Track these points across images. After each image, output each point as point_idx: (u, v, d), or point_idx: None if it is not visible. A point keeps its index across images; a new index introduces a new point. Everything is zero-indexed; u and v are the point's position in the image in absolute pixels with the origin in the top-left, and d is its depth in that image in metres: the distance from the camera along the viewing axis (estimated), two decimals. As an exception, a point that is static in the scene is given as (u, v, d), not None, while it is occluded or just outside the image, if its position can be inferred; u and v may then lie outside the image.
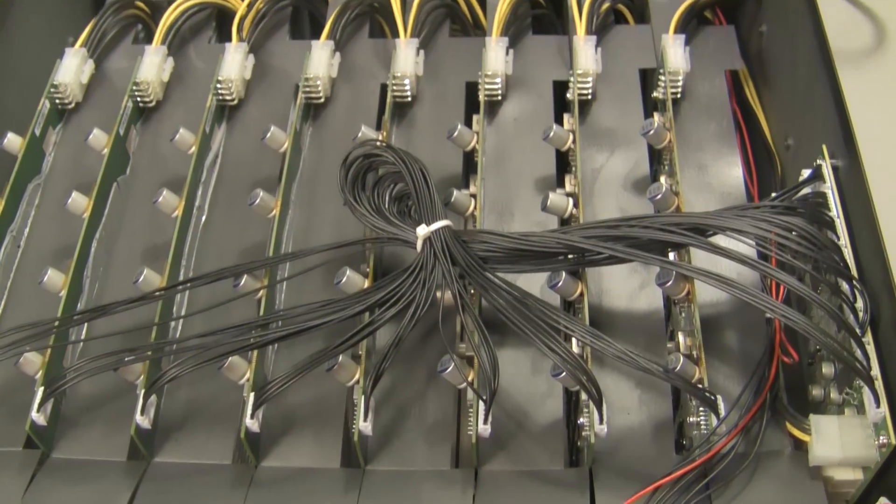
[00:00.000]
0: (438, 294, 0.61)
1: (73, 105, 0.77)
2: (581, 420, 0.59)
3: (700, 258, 0.61)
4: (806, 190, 0.64)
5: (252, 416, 0.57)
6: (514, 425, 0.60)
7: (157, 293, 0.62)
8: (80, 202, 0.68)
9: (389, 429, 0.60)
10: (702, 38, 0.78)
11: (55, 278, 0.64)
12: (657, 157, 0.72)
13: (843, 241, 0.60)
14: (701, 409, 0.58)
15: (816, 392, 0.61)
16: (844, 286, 0.58)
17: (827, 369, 0.61)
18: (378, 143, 0.65)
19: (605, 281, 0.65)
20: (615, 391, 0.60)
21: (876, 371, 0.55)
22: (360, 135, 0.68)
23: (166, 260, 0.65)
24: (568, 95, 0.73)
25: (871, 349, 0.56)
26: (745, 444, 0.57)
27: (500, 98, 0.74)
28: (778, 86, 0.75)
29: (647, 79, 0.76)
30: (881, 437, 0.54)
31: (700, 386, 0.58)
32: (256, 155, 0.73)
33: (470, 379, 0.58)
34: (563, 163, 0.71)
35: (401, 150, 0.63)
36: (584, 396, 0.57)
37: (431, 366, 0.61)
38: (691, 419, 0.59)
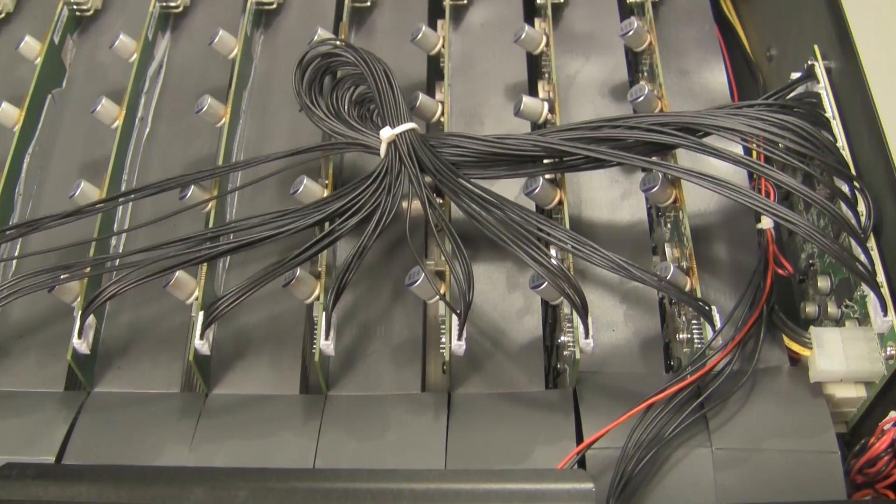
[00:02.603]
0: (405, 204, 0.56)
1: (3, 15, 0.72)
2: (563, 338, 0.54)
3: (686, 163, 0.57)
4: (799, 89, 0.60)
5: (202, 337, 0.52)
6: (488, 344, 0.56)
7: (96, 206, 0.57)
8: (10, 113, 0.63)
9: (352, 351, 0.56)
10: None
11: (-15, 192, 0.59)
12: (635, 64, 0.67)
13: (841, 141, 0.56)
14: (693, 324, 0.55)
15: (811, 309, 0.58)
16: (844, 188, 0.53)
17: (823, 283, 0.58)
18: (337, 43, 0.60)
19: (584, 190, 0.61)
20: (598, 307, 0.56)
21: (881, 277, 0.52)
22: (316, 36, 0.63)
23: (106, 173, 0.59)
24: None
25: (875, 255, 0.53)
26: (742, 361, 0.54)
27: (465, 2, 0.69)
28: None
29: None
30: (888, 349, 0.51)
31: (695, 295, 0.53)
32: (204, 63, 0.68)
33: (442, 292, 0.54)
34: (535, 69, 0.67)
35: (362, 50, 0.59)
36: (566, 310, 0.53)
37: (397, 283, 0.58)
38: (681, 336, 0.55)
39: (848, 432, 0.54)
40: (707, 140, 0.53)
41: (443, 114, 0.63)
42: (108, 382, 0.55)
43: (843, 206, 0.53)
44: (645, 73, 0.65)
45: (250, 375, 0.55)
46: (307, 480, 0.47)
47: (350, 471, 0.48)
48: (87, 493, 0.47)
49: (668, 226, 0.59)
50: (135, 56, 0.65)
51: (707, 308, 0.52)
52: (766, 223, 0.57)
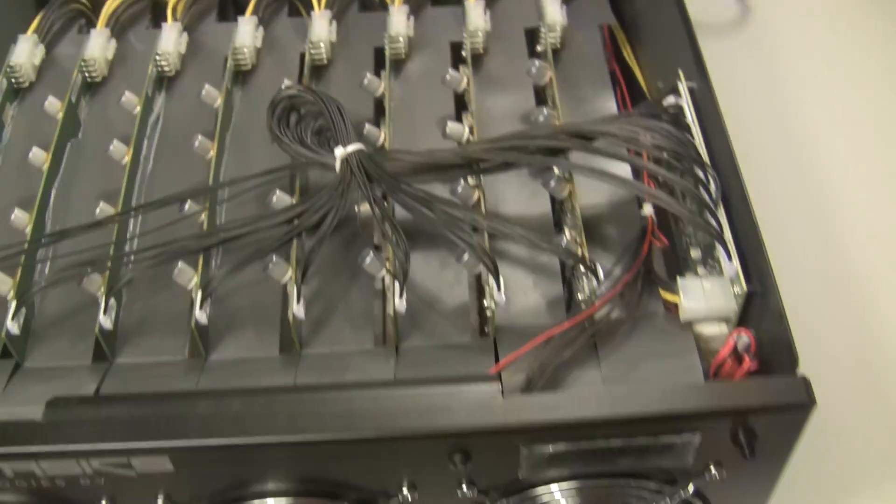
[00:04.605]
0: (359, 209, 0.71)
1: (27, 84, 0.86)
2: (486, 302, 0.68)
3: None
4: (668, 102, 0.75)
5: (201, 308, 0.66)
6: (426, 309, 0.68)
7: (114, 218, 0.71)
8: (39, 156, 0.77)
9: (319, 319, 0.68)
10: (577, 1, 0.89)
11: (21, 217, 0.73)
12: (541, 98, 0.82)
13: (698, 140, 0.71)
14: (585, 281, 0.68)
15: (688, 275, 0.71)
16: (700, 174, 0.68)
17: (695, 254, 0.71)
18: (300, 88, 0.75)
19: (499, 191, 0.74)
20: (511, 277, 0.69)
21: (728, 235, 0.66)
22: (283, 85, 0.78)
23: (119, 196, 0.74)
24: (462, 52, 0.84)
25: (723, 221, 0.66)
26: (623, 309, 0.66)
27: (403, 57, 0.85)
28: (647, 39, 0.87)
29: (533, 38, 0.87)
30: (736, 288, 0.64)
31: (583, 258, 0.68)
32: (194, 114, 0.82)
33: (388, 266, 0.68)
34: (461, 106, 0.82)
35: (319, 91, 0.74)
36: (490, 283, 0.66)
37: (353, 269, 0.70)
38: (580, 296, 0.69)
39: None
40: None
41: (386, 140, 0.77)
42: (126, 355, 0.67)
43: (701, 188, 0.68)
44: (548, 103, 0.80)
45: (240, 342, 0.67)
46: (288, 392, 0.62)
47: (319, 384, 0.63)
48: (120, 412, 0.61)
49: (567, 214, 0.73)
50: (138, 108, 0.80)
51: (593, 265, 0.67)
52: (648, 210, 0.71)
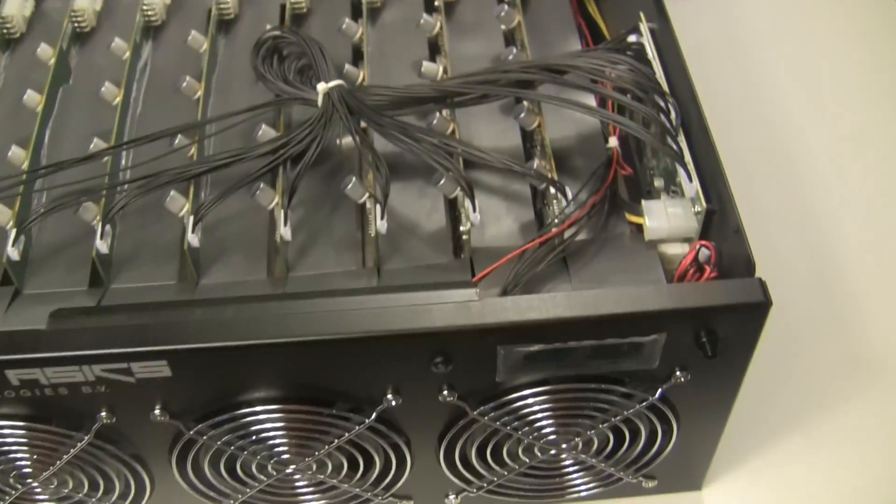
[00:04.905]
0: (340, 142, 0.75)
1: (18, 35, 0.89)
2: (462, 228, 0.71)
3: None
4: (631, 40, 0.79)
5: (193, 232, 0.69)
6: (406, 233, 0.71)
7: (107, 151, 0.75)
8: (33, 98, 0.80)
9: (305, 245, 0.72)
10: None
11: (18, 153, 0.76)
12: (511, 41, 0.86)
13: (659, 73, 0.76)
14: (555, 204, 0.72)
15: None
16: (661, 103, 0.72)
17: (658, 183, 0.75)
18: (283, 29, 0.79)
19: (472, 125, 0.78)
20: (487, 203, 0.72)
21: (688, 157, 0.70)
22: (267, 27, 0.82)
23: (112, 133, 0.77)
24: (435, 1, 0.88)
25: (683, 144, 0.70)
26: (591, 229, 0.70)
27: (379, 5, 0.89)
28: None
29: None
30: (696, 207, 0.68)
31: (552, 178, 0.72)
32: (180, 59, 0.86)
33: (369, 190, 0.72)
34: (435, 51, 0.86)
35: (301, 32, 0.78)
36: (465, 205, 0.70)
37: (337, 199, 0.74)
38: (549, 220, 0.72)
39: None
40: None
41: (364, 79, 0.81)
42: (120, 280, 0.70)
43: (662, 115, 0.72)
44: (517, 45, 0.84)
45: (228, 267, 0.70)
46: (278, 299, 0.66)
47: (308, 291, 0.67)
48: (120, 319, 0.64)
49: (538, 146, 0.78)
50: (127, 54, 0.83)
51: (561, 187, 0.71)
52: (613, 142, 0.75)
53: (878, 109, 1.09)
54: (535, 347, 0.62)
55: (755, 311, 0.62)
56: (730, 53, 1.16)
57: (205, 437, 0.66)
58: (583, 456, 0.73)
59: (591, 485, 0.78)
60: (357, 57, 0.86)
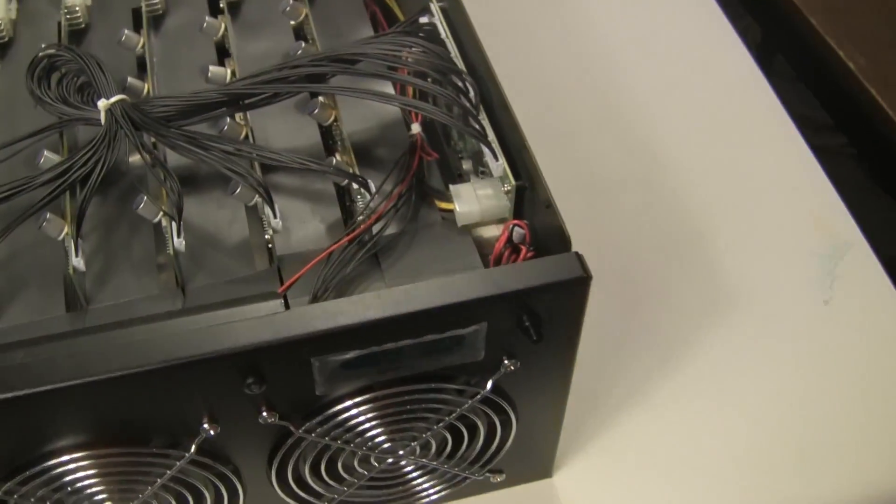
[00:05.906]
0: (130, 160, 0.71)
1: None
2: (266, 236, 0.68)
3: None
4: (422, 21, 0.77)
5: None
6: (208, 248, 0.68)
7: None
8: None
9: (103, 273, 0.67)
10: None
11: None
12: (302, 36, 0.83)
13: (454, 53, 0.73)
14: (360, 200, 0.69)
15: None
16: (459, 83, 0.70)
17: (467, 165, 0.74)
18: (58, 47, 0.75)
19: (267, 126, 0.74)
20: (290, 206, 0.69)
21: (492, 136, 0.68)
22: (42, 46, 0.77)
23: None
24: (220, 2, 0.84)
25: (487, 124, 0.68)
26: (400, 221, 0.68)
27: (161, 13, 0.85)
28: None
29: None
30: (506, 186, 0.66)
31: (353, 173, 0.69)
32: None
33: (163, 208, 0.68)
34: (224, 54, 0.82)
35: (77, 48, 0.73)
36: (265, 212, 0.67)
37: (132, 221, 0.70)
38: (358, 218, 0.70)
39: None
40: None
41: (149, 91, 0.77)
42: None
43: (461, 96, 0.69)
44: (307, 39, 0.81)
45: (24, 305, 0.65)
46: (72, 336, 0.62)
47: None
48: None
49: (338, 141, 0.75)
50: None
51: (364, 181, 0.68)
52: (416, 129, 0.72)
53: (679, 61, 1.11)
54: (350, 354, 0.59)
55: (574, 286, 0.60)
56: (522, 28, 1.15)
57: (15, 497, 0.61)
58: (423, 460, 0.70)
59: (438, 488, 0.75)
60: (142, 69, 0.81)
